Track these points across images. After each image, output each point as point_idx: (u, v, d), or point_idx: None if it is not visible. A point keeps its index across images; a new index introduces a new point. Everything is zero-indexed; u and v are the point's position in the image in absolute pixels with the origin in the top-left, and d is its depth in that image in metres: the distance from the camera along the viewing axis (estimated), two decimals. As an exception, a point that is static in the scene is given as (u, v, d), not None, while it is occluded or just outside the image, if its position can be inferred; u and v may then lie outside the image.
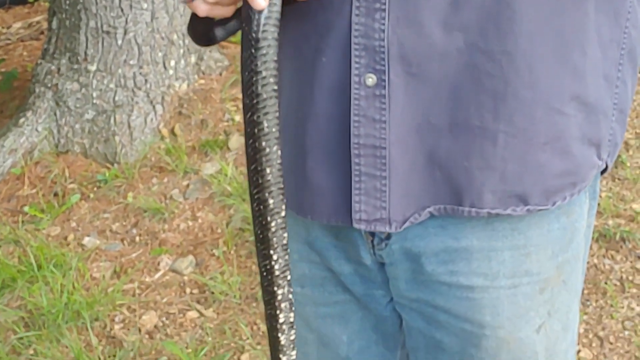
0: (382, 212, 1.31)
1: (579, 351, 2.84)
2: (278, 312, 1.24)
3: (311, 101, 1.29)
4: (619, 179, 3.39)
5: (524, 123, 1.24)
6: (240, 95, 4.16)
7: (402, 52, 1.22)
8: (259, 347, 2.88)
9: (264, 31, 1.09)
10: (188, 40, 3.98)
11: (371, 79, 1.23)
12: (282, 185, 1.16)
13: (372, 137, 1.26)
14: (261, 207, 1.16)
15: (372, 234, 1.37)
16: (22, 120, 3.83)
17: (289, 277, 1.22)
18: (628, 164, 3.45)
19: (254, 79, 1.10)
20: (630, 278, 3.00)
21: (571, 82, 1.25)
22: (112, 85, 3.79)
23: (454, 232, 1.33)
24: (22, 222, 3.54)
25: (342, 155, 1.30)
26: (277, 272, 1.21)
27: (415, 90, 1.23)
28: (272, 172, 1.14)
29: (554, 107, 1.25)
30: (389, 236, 1.36)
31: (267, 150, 1.13)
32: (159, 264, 3.28)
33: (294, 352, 1.27)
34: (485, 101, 1.23)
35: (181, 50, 3.96)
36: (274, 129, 1.13)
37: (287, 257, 1.21)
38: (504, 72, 1.21)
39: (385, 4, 1.20)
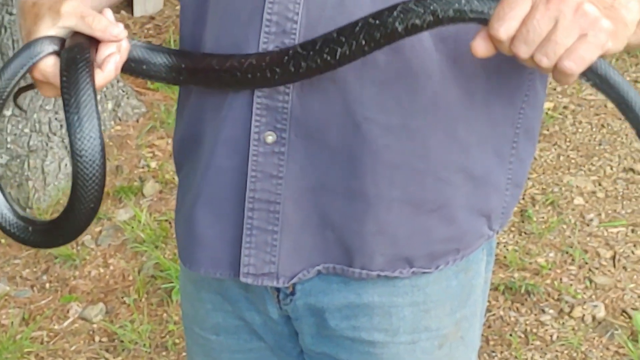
0: (270, 267, 1.33)
1: (483, 402, 2.90)
2: None
3: (210, 153, 1.31)
4: (525, 233, 3.48)
5: (416, 191, 1.28)
6: (157, 142, 4.10)
7: (304, 115, 1.24)
8: (167, 396, 2.87)
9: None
10: (105, 87, 3.97)
11: (271, 137, 1.25)
12: None
13: (268, 192, 1.28)
14: None
15: (278, 289, 1.39)
16: None
17: None
18: (534, 219, 3.54)
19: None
20: (535, 330, 3.07)
21: (458, 155, 1.29)
22: (26, 130, 3.76)
23: (357, 288, 1.36)
24: None
25: (233, 208, 1.31)
26: None
27: (314, 153, 1.26)
28: None
29: (442, 177, 1.29)
30: (293, 291, 1.38)
31: None
32: (68, 311, 3.25)
33: None
34: (382, 171, 1.26)
35: (98, 97, 3.94)
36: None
37: None
38: (401, 145, 1.25)
39: None
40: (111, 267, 3.44)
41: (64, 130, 3.80)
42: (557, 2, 0.99)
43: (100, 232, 3.59)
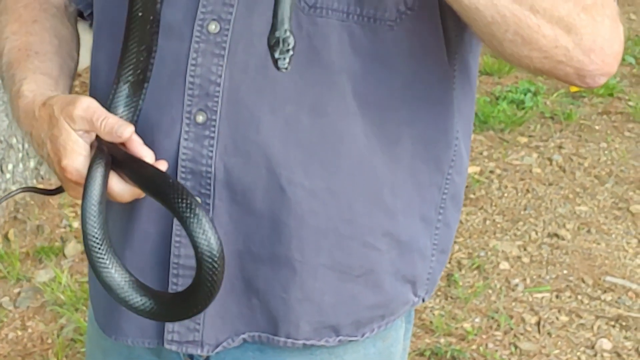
0: (195, 335, 1.30)
1: None
2: None
3: (131, 220, 1.29)
4: (451, 298, 3.48)
5: (342, 257, 1.27)
6: (79, 202, 4.05)
7: (228, 179, 1.23)
8: None
9: None
10: (28, 144, 3.91)
11: None
12: None
13: (192, 258, 1.26)
14: None
15: (191, 356, 1.35)
16: None
17: None
18: (460, 283, 3.54)
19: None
20: (460, 397, 3.06)
21: (383, 219, 1.28)
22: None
23: (273, 356, 1.33)
24: None
25: (157, 276, 1.29)
26: None
27: (239, 217, 1.25)
28: None
29: (367, 242, 1.28)
30: (207, 358, 1.35)
31: None
32: (-17, 376, 3.15)
33: None
34: (307, 236, 1.25)
35: (20, 154, 3.88)
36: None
37: None
38: (326, 209, 1.24)
39: (214, 132, 1.22)
40: (29, 330, 3.35)
41: None
42: None
43: (19, 293, 3.50)
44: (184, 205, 1.11)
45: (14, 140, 3.84)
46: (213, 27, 1.19)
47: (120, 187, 1.18)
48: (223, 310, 1.29)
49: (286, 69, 1.05)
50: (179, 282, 1.28)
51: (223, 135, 1.21)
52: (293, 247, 1.25)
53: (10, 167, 3.83)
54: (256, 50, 1.18)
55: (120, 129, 1.16)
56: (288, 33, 1.06)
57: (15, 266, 3.59)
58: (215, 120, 1.21)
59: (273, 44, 1.06)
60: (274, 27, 1.07)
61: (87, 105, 1.16)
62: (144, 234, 1.29)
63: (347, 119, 1.21)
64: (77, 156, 1.17)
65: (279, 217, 1.24)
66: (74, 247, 3.71)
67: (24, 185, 3.86)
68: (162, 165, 1.17)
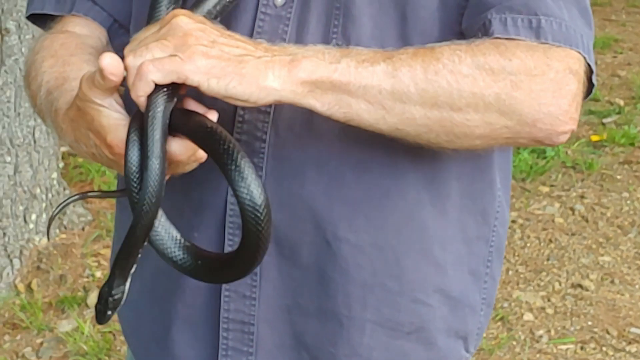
0: None
1: None
2: None
3: (181, 274, 1.29)
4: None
5: (390, 313, 1.27)
6: (102, 251, 4.00)
7: (275, 234, 1.23)
8: None
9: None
10: (52, 194, 3.93)
11: None
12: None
13: (242, 312, 1.27)
14: None
15: None
16: None
17: None
18: (484, 335, 3.51)
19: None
20: None
21: (434, 275, 1.28)
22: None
23: None
24: None
25: (208, 329, 1.30)
26: None
27: (287, 272, 1.25)
28: None
29: (418, 299, 1.27)
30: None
31: None
32: None
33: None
34: (353, 291, 1.25)
35: (43, 205, 3.90)
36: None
37: None
38: (373, 264, 1.24)
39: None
40: (52, 381, 3.34)
41: (7, 238, 3.73)
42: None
43: (42, 343, 3.50)
44: (226, 153, 1.05)
45: (38, 191, 3.86)
46: None
47: (175, 145, 1.11)
48: None
49: (102, 323, 1.12)
50: (229, 336, 1.29)
51: (268, 191, 1.22)
52: (340, 301, 1.25)
53: (33, 217, 3.85)
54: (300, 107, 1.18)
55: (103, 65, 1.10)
56: (124, 294, 1.12)
57: (38, 316, 3.59)
58: (260, 176, 1.21)
59: (106, 296, 1.12)
60: (111, 279, 1.12)
61: (87, 76, 1.13)
62: (195, 290, 1.30)
63: (395, 175, 1.21)
64: (115, 127, 1.12)
65: (325, 271, 1.24)
66: (96, 297, 3.70)
67: (49, 229, 3.87)
68: (213, 115, 1.12)
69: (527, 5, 1.12)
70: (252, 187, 1.04)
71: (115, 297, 1.12)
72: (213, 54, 1.05)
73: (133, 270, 1.13)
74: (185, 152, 1.11)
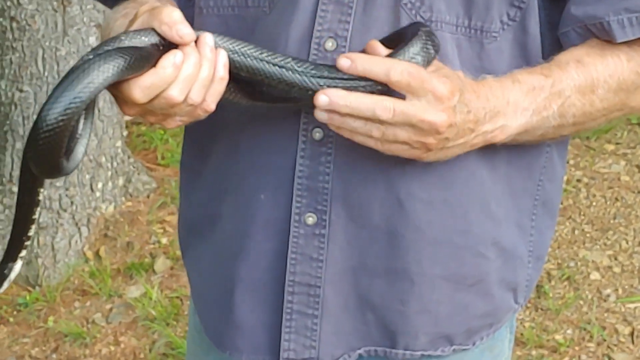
0: (311, 352, 1.31)
1: None
2: None
3: (246, 236, 1.29)
4: (541, 309, 3.43)
5: (456, 267, 1.28)
6: (168, 218, 4.05)
7: (345, 195, 1.23)
8: None
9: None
10: (116, 162, 3.98)
11: (312, 218, 1.24)
12: None
13: (308, 275, 1.27)
14: None
15: None
16: (-58, 240, 3.75)
17: None
18: (550, 295, 3.49)
19: None
20: (555, 409, 3.02)
21: (491, 228, 1.29)
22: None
23: None
24: (-63, 345, 3.43)
25: (272, 292, 1.30)
26: None
27: (355, 232, 1.25)
28: None
29: (479, 252, 1.29)
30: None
31: None
32: (78, 391, 3.20)
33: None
34: (425, 248, 1.25)
35: (109, 173, 3.95)
36: None
37: None
38: (443, 220, 1.24)
39: (331, 149, 1.22)
40: (122, 345, 3.39)
41: (74, 207, 3.79)
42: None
43: (111, 309, 3.56)
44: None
45: (103, 159, 3.91)
46: None
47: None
48: (338, 327, 1.30)
49: None
50: (294, 300, 1.28)
51: (340, 153, 1.22)
52: (410, 259, 1.25)
53: (100, 185, 3.90)
54: None
55: (184, 28, 1.09)
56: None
57: (107, 283, 3.65)
58: (332, 136, 1.21)
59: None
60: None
61: (155, 11, 1.12)
62: (259, 252, 1.29)
63: None
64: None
65: (395, 230, 1.24)
66: (163, 263, 3.76)
67: (113, 203, 3.92)
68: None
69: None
70: None
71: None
72: (449, 154, 1.18)
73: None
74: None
